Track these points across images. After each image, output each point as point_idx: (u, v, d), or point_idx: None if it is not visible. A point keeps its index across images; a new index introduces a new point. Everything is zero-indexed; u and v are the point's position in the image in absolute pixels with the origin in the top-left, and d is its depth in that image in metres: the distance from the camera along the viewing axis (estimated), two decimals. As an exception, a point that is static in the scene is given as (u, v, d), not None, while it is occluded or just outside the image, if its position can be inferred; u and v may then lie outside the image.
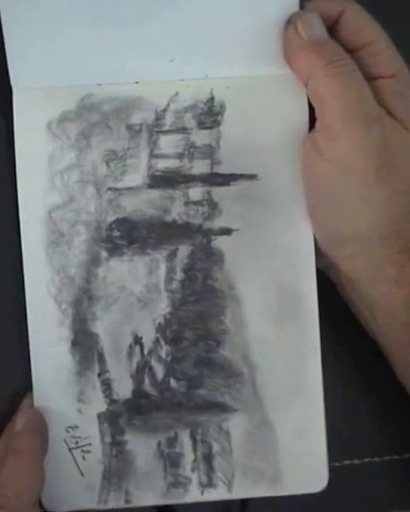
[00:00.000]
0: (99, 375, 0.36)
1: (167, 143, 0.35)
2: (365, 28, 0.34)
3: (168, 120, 0.35)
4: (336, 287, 0.38)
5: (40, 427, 0.35)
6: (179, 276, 0.36)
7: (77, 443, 0.36)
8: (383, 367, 0.36)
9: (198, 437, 0.36)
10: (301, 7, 0.34)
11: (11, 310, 0.36)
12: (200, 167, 0.35)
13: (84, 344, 0.35)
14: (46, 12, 0.33)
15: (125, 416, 0.35)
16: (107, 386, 0.36)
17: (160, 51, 0.35)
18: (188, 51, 0.35)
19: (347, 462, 0.39)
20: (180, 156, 0.35)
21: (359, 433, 0.39)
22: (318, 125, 0.33)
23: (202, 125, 0.35)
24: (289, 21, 0.34)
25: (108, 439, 0.36)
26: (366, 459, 0.39)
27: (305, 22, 0.33)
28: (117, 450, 0.36)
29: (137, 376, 0.36)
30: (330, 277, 0.37)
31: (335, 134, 0.32)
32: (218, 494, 0.36)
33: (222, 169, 0.35)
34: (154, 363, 0.36)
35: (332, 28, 0.34)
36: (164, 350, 0.36)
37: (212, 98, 0.35)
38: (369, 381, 0.39)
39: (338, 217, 0.34)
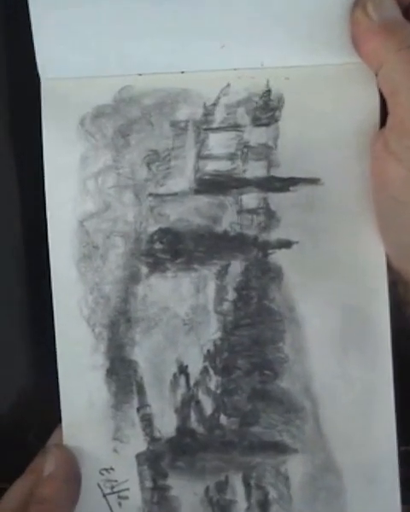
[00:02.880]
0: (138, 410, 0.33)
1: (217, 143, 0.32)
2: None
3: (218, 116, 0.32)
4: (400, 306, 0.34)
5: (72, 472, 0.32)
6: (231, 295, 0.33)
7: (112, 488, 0.33)
8: None
9: (252, 482, 0.33)
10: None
11: (38, 334, 0.35)
12: (255, 170, 0.32)
13: (120, 373, 0.33)
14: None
15: (168, 456, 0.33)
16: (147, 423, 0.33)
17: (209, 36, 0.32)
18: (241, 36, 0.32)
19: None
20: (232, 157, 0.32)
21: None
22: (389, 120, 0.30)
23: (257, 122, 0.32)
24: (357, 2, 0.31)
25: (148, 484, 0.33)
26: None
27: (375, 2, 0.30)
28: (159, 496, 0.33)
29: (183, 411, 0.33)
30: (396, 295, 0.34)
31: (409, 131, 0.29)
32: (275, 546, 0.33)
33: (280, 172, 0.32)
34: (201, 396, 0.33)
35: (407, 11, 0.31)
36: (213, 381, 0.33)
37: (268, 91, 0.32)
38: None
39: (409, 227, 0.31)
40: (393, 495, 0.33)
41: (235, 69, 0.32)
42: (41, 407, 0.35)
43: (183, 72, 0.32)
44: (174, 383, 0.33)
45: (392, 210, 0.31)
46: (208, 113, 0.32)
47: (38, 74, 0.32)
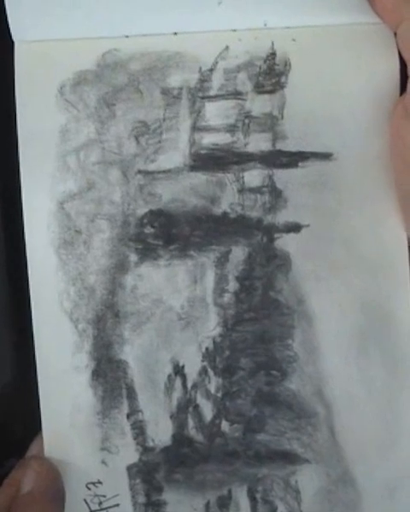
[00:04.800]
0: (129, 416, 0.30)
1: (215, 112, 0.30)
2: None
3: (216, 82, 0.30)
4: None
5: (54, 488, 0.29)
6: (233, 286, 0.30)
7: (101, 503, 0.30)
8: None
9: (258, 496, 0.30)
10: None
11: (14, 331, 0.31)
12: (258, 143, 0.30)
13: (108, 375, 0.30)
14: None
15: (163, 468, 0.30)
16: (139, 431, 0.30)
17: (204, -8, 0.29)
18: (241, -9, 0.29)
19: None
20: (232, 129, 0.30)
21: None
22: None
23: (260, 89, 0.30)
24: None
25: (141, 499, 0.30)
26: None
27: None
28: None
29: (179, 417, 0.30)
30: None
31: None
32: None
33: (287, 146, 0.30)
34: (200, 399, 0.30)
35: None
36: (213, 383, 0.30)
37: (273, 54, 0.30)
38: None
39: None
40: None
41: (234, 30, 0.30)
42: (18, 414, 0.32)
43: (175, 34, 0.30)
44: (169, 386, 0.30)
45: None
46: (205, 79, 0.30)
47: (10, 36, 0.30)
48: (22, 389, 0.31)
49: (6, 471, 0.29)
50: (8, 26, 0.29)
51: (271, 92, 0.29)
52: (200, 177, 0.29)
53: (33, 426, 0.30)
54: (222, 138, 0.29)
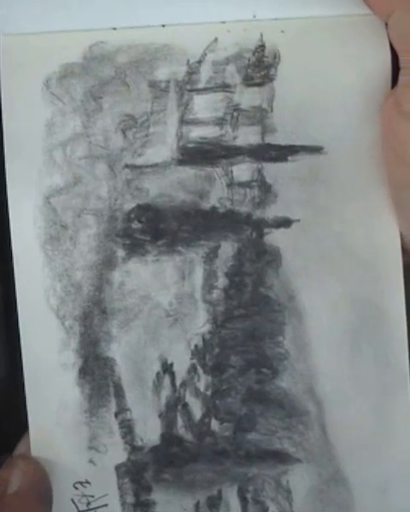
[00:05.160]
0: (117, 415, 0.29)
1: (203, 105, 0.29)
2: None
3: (204, 75, 0.29)
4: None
5: (41, 488, 0.29)
6: (222, 282, 0.29)
7: (89, 504, 0.29)
8: None
9: (249, 496, 0.29)
10: None
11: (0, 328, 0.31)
12: (247, 137, 0.29)
13: (95, 373, 0.29)
14: None
15: (152, 468, 0.29)
16: (127, 430, 0.29)
17: (193, -17, 0.28)
18: (230, -17, 0.28)
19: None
20: (221, 122, 0.29)
21: None
22: (402, 77, 0.28)
23: (249, 82, 0.29)
24: None
25: (129, 499, 0.29)
26: None
27: None
28: None
29: (168, 416, 0.29)
30: None
31: None
32: None
33: (277, 139, 0.29)
34: (189, 398, 0.29)
35: None
36: (202, 381, 0.29)
37: (262, 46, 0.29)
38: None
39: None
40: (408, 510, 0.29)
41: (223, 22, 0.29)
42: (7, 411, 0.31)
43: (163, 26, 0.29)
44: (157, 384, 0.29)
45: (408, 181, 0.28)
46: (193, 71, 0.29)
47: (-5, 29, 0.29)
48: (11, 386, 0.30)
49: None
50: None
51: (260, 85, 0.29)
52: (188, 172, 0.29)
53: (22, 424, 0.29)
54: (210, 132, 0.29)
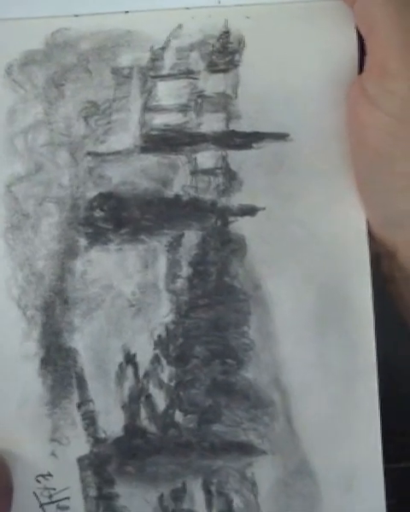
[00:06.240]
0: (79, 406, 0.29)
1: (167, 92, 0.29)
2: None
3: (168, 61, 0.29)
4: (385, 283, 0.31)
5: (2, 481, 0.28)
6: (186, 271, 0.29)
7: (51, 497, 0.29)
8: None
9: (213, 488, 0.29)
10: None
11: None
12: (211, 124, 0.29)
13: (58, 363, 0.29)
14: None
15: (115, 460, 0.29)
16: (90, 421, 0.29)
17: (155, -32, 0.28)
18: (193, -32, 0.28)
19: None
20: (184, 109, 0.29)
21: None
22: (368, 61, 0.27)
23: (213, 68, 0.29)
24: None
25: (92, 492, 0.29)
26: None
27: None
28: (105, 506, 0.29)
29: (131, 407, 0.29)
30: (379, 270, 0.30)
31: (389, 73, 0.26)
32: None
33: (242, 126, 0.29)
34: (152, 389, 0.29)
35: None
36: (166, 371, 0.29)
37: (227, 32, 0.29)
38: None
39: (394, 186, 0.28)
40: (377, 503, 0.29)
41: (187, 8, 0.29)
42: None
43: (127, 12, 0.29)
44: (120, 375, 0.29)
45: (373, 167, 0.28)
46: (156, 58, 0.29)
47: None
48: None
49: None
50: None
51: (224, 71, 0.29)
52: (151, 159, 0.29)
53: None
54: (174, 118, 0.29)
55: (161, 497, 0.29)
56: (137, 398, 0.29)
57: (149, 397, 0.29)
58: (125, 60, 0.29)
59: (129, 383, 0.29)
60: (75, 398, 0.29)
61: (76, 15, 0.29)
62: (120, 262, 0.29)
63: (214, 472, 0.29)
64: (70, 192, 0.29)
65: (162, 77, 0.29)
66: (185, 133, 0.29)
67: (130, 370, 0.29)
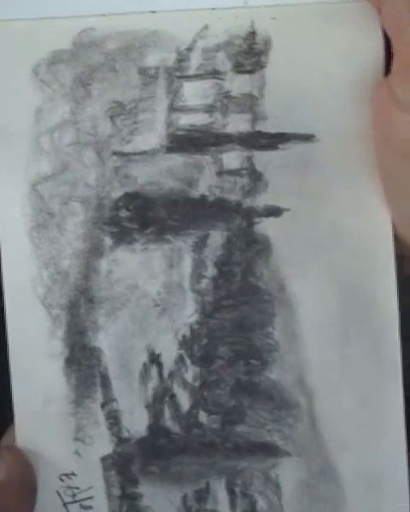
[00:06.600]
0: (103, 406, 0.29)
1: (193, 92, 0.28)
2: None
3: (194, 62, 0.29)
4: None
5: (26, 479, 0.28)
6: (211, 271, 0.29)
7: (74, 496, 0.29)
8: None
9: (237, 489, 0.29)
10: None
11: None
12: (237, 124, 0.29)
13: (82, 362, 0.29)
14: None
15: (138, 460, 0.29)
16: (114, 421, 0.29)
17: (183, -31, 0.28)
18: (220, -31, 0.28)
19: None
20: (210, 109, 0.28)
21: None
22: (395, 64, 0.27)
23: (239, 68, 0.29)
24: None
25: (116, 492, 0.29)
26: None
27: None
28: (128, 505, 0.29)
29: (155, 407, 0.29)
30: (402, 272, 0.30)
31: None
32: None
33: (267, 127, 0.28)
34: (176, 389, 0.29)
35: None
36: (190, 372, 0.29)
37: (253, 33, 0.29)
38: None
39: None
40: (401, 504, 0.28)
41: (214, 8, 0.29)
42: None
43: (154, 12, 0.29)
44: (144, 374, 0.29)
45: (400, 169, 0.27)
46: (183, 58, 0.29)
47: (-17, 15, 0.29)
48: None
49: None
50: (-19, 4, 0.28)
51: (250, 72, 0.28)
52: (177, 159, 0.28)
53: (5, 416, 0.29)
54: (200, 119, 0.28)
55: (184, 498, 0.29)
56: (161, 398, 0.29)
57: (173, 397, 0.29)
58: (151, 60, 0.28)
59: (153, 383, 0.29)
60: (99, 397, 0.29)
61: (103, 15, 0.29)
62: (146, 262, 0.29)
63: (238, 473, 0.29)
64: (96, 192, 0.28)
65: (188, 77, 0.28)
66: (211, 134, 0.28)
67: (154, 370, 0.29)
